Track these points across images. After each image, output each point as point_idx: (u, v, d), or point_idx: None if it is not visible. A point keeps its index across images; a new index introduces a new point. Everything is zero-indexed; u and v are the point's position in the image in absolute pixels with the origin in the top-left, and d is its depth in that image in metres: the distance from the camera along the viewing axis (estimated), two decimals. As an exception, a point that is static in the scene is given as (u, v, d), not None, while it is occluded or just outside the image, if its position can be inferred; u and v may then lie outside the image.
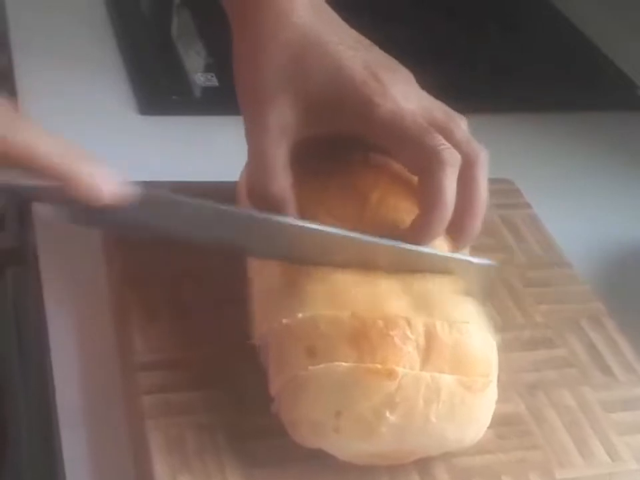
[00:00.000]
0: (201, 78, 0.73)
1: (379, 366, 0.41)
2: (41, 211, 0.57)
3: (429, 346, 0.42)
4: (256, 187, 0.46)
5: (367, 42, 0.48)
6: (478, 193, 0.46)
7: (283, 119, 0.45)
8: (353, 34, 0.48)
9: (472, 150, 0.45)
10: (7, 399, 0.68)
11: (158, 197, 0.42)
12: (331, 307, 0.42)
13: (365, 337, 0.41)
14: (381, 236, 0.45)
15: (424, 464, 0.44)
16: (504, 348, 0.46)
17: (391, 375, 0.41)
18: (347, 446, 0.43)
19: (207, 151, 0.67)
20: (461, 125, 0.47)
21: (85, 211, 0.39)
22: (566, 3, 0.92)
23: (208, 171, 0.60)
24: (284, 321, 0.43)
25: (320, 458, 0.43)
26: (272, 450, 0.44)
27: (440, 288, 0.45)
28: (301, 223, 0.45)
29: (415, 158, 0.45)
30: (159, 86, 0.72)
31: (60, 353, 0.50)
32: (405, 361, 0.41)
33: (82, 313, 0.52)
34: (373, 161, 0.49)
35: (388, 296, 0.43)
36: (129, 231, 0.43)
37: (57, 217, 0.41)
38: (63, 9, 0.71)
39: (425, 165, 0.44)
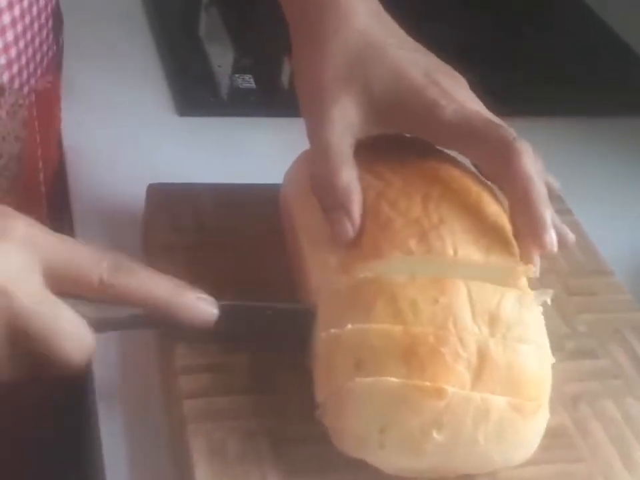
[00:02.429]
0: (238, 80, 0.73)
1: (428, 384, 0.40)
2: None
3: (481, 365, 0.41)
4: (321, 179, 0.47)
5: (423, 49, 0.49)
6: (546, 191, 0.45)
7: (346, 115, 0.46)
8: (410, 40, 0.49)
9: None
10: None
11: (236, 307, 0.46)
12: (396, 321, 0.42)
13: (414, 352, 0.41)
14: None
15: (468, 476, 0.44)
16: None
17: (440, 394, 0.40)
18: (390, 461, 0.42)
19: (244, 152, 0.67)
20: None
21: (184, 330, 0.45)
22: (603, 6, 0.91)
23: (246, 172, 0.60)
24: (332, 330, 0.42)
25: (363, 467, 0.43)
26: (314, 457, 0.43)
27: (510, 300, 0.43)
28: None
29: (488, 153, 0.45)
30: (197, 87, 0.73)
31: (101, 357, 0.50)
32: (455, 379, 0.40)
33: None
34: (429, 161, 0.49)
35: (455, 311, 0.42)
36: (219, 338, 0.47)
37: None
38: (102, 12, 0.72)
39: (500, 158, 0.45)
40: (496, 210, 0.47)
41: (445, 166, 0.48)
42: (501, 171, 0.45)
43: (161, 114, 0.69)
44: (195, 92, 0.72)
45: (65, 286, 0.41)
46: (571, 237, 0.47)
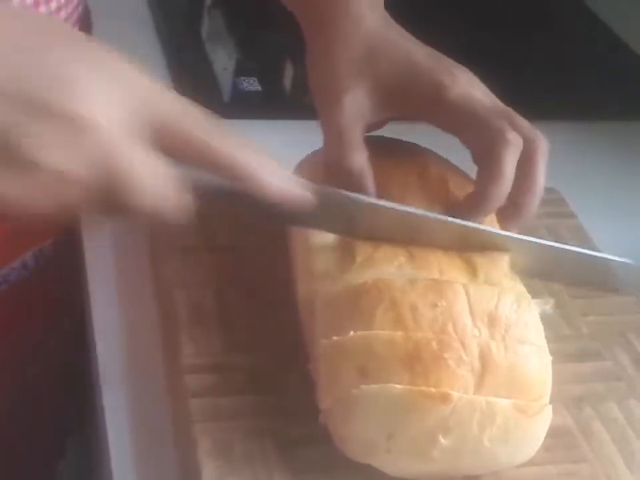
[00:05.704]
0: (244, 82, 0.74)
1: (433, 389, 0.40)
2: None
3: (483, 368, 0.41)
4: (335, 162, 0.49)
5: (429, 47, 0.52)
6: (536, 177, 0.48)
7: (357, 102, 0.49)
8: (417, 40, 0.52)
9: (534, 137, 0.48)
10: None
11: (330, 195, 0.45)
12: (397, 326, 0.42)
13: (417, 358, 0.41)
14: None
15: (472, 476, 0.44)
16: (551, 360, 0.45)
17: (445, 399, 0.40)
18: (397, 466, 0.43)
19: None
20: (522, 118, 0.49)
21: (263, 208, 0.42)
22: (606, 11, 0.91)
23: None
24: (335, 337, 0.42)
25: (368, 466, 0.43)
26: (320, 457, 0.44)
27: (508, 301, 0.44)
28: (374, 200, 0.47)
29: (480, 137, 0.48)
30: (202, 90, 0.73)
31: (106, 355, 0.51)
32: (459, 384, 0.41)
33: (128, 316, 0.53)
34: (429, 178, 0.50)
35: (455, 315, 0.43)
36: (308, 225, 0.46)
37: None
38: (107, 14, 0.72)
39: (489, 144, 0.47)
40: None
41: (442, 185, 0.50)
42: (482, 158, 0.48)
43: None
44: (199, 94, 0.72)
45: (174, 145, 0.38)
46: None
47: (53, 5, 0.54)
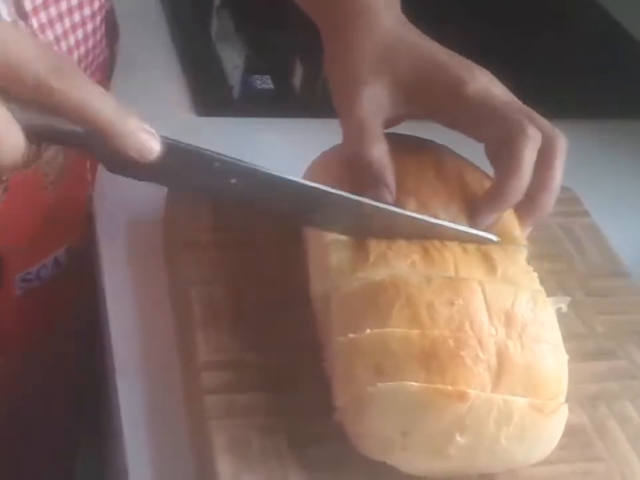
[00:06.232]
0: (257, 80, 0.74)
1: (449, 387, 0.40)
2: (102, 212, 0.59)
3: (500, 367, 0.41)
4: (355, 154, 0.49)
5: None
6: (554, 174, 0.48)
7: (377, 97, 0.50)
8: (432, 40, 0.52)
9: (552, 134, 0.49)
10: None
11: (188, 151, 0.44)
12: (413, 324, 0.42)
13: (434, 356, 0.41)
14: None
15: (489, 475, 0.44)
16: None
17: (462, 397, 0.40)
18: (413, 464, 0.43)
19: (263, 152, 0.67)
20: (540, 116, 0.50)
21: (121, 160, 0.41)
22: (620, 10, 0.91)
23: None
24: (350, 335, 0.43)
25: (382, 463, 0.43)
26: (335, 454, 0.44)
27: (524, 299, 0.44)
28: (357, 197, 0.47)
29: (498, 132, 0.48)
30: (215, 88, 0.73)
31: (122, 353, 0.51)
32: (476, 382, 0.41)
33: (144, 313, 0.53)
34: (446, 173, 0.50)
35: (471, 313, 0.43)
36: (159, 180, 0.45)
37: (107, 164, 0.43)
38: (120, 15, 0.72)
39: (508, 138, 0.47)
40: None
41: (458, 182, 0.50)
42: (502, 151, 0.48)
43: (180, 114, 0.70)
44: (213, 92, 0.73)
45: (16, 89, 0.36)
46: None
47: (74, 1, 0.54)
